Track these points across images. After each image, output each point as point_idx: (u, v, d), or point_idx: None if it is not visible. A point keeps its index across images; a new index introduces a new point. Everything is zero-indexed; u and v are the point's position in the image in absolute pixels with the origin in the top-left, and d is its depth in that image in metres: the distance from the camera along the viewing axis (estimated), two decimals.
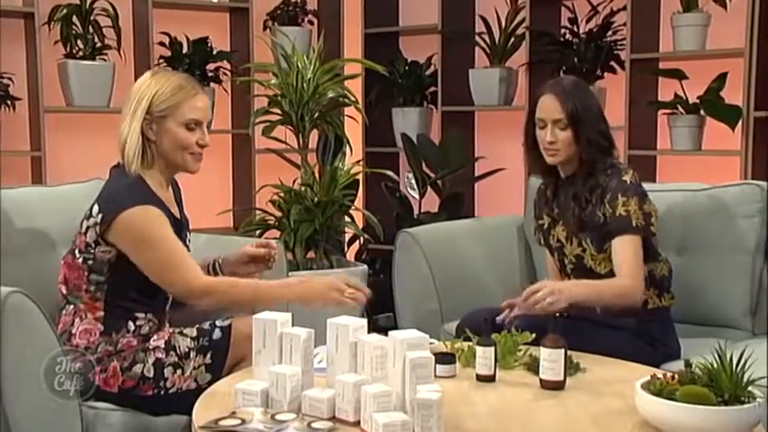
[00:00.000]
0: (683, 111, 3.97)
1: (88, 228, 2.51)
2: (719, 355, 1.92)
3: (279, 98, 3.62)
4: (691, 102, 3.93)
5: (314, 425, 1.93)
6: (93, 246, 2.50)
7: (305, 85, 3.54)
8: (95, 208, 2.51)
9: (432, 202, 4.51)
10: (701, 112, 3.93)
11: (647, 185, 3.35)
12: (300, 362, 2.08)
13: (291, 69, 3.58)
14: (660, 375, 1.99)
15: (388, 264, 4.39)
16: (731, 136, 3.80)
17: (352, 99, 3.78)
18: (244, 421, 1.94)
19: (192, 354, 2.50)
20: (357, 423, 1.95)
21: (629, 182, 2.71)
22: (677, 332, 2.87)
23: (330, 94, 3.66)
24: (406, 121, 4.74)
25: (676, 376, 1.97)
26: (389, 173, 4.13)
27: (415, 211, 4.39)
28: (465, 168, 4.31)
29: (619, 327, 2.75)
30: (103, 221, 2.46)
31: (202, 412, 2.05)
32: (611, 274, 2.74)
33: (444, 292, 3.30)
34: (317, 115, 3.60)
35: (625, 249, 2.68)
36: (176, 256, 2.48)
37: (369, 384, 1.95)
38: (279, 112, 3.67)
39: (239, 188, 4.72)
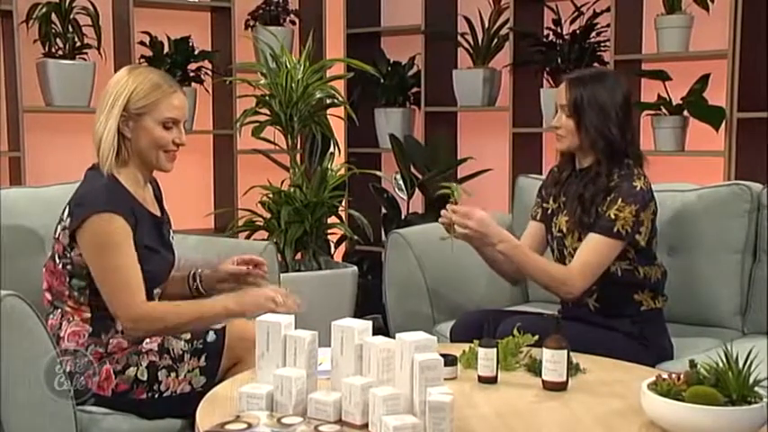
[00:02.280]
0: (666, 112, 3.99)
1: (61, 232, 2.48)
2: (726, 356, 1.92)
3: (268, 98, 3.59)
4: (674, 103, 3.95)
5: (321, 428, 1.91)
6: (69, 250, 2.47)
7: (293, 85, 3.51)
8: (66, 211, 2.48)
9: (414, 202, 4.51)
10: (685, 113, 3.95)
11: None
12: (305, 364, 2.05)
13: (281, 70, 3.54)
14: (665, 376, 1.99)
15: (375, 265, 4.40)
16: (714, 137, 3.83)
17: (341, 99, 3.76)
18: (250, 425, 1.91)
19: (187, 356, 2.47)
20: (364, 426, 1.93)
21: (638, 188, 2.70)
22: (670, 332, 2.88)
23: (318, 95, 3.64)
24: (389, 121, 4.73)
25: (682, 377, 1.97)
26: (379, 173, 4.11)
27: (403, 212, 4.39)
28: (454, 169, 4.30)
29: (613, 328, 2.76)
30: (71, 225, 2.43)
31: (206, 417, 2.02)
32: (605, 274, 2.73)
33: (435, 293, 3.29)
34: (306, 116, 3.57)
35: (592, 248, 2.69)
36: (124, 275, 2.42)
37: (376, 387, 1.94)
38: (267, 112, 3.64)
39: (221, 189, 4.68)
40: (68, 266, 2.47)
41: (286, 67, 3.56)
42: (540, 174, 4.10)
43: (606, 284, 2.75)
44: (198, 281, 2.74)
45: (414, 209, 4.46)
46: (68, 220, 2.46)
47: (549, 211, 2.91)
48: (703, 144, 3.97)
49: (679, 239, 3.15)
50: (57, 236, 2.50)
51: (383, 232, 4.43)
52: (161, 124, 2.51)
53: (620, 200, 2.68)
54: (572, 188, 2.82)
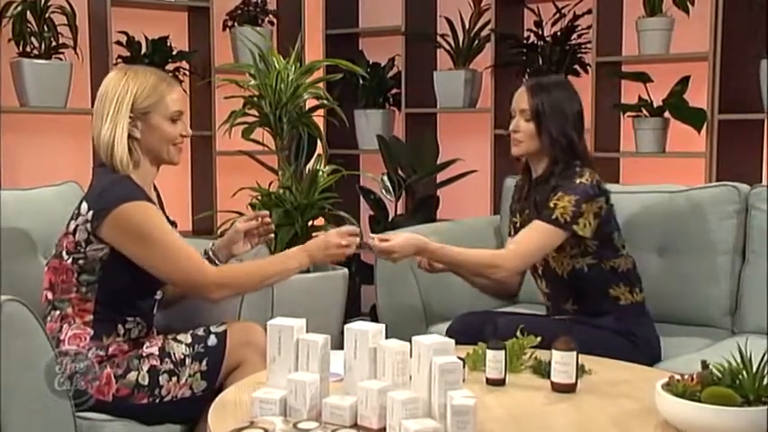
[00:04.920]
0: (647, 113, 4.02)
1: (77, 227, 2.44)
2: (741, 356, 1.93)
3: (256, 99, 3.56)
4: (655, 105, 3.98)
5: None
6: (83, 245, 2.43)
7: (282, 86, 3.49)
8: (84, 206, 2.45)
9: (394, 205, 4.50)
10: (666, 114, 3.98)
11: (629, 187, 3.41)
12: (318, 368, 2.03)
13: (271, 71, 3.51)
14: (678, 377, 1.99)
15: (360, 267, 4.38)
16: (694, 138, 3.87)
17: (330, 101, 3.73)
18: (266, 431, 1.89)
19: (188, 360, 2.45)
20: (381, 430, 1.91)
21: (578, 182, 2.75)
22: (659, 331, 2.89)
23: (306, 96, 3.62)
24: (369, 123, 4.72)
25: (695, 377, 1.97)
26: (370, 175, 4.10)
27: (390, 214, 4.38)
28: (443, 170, 4.29)
29: (599, 326, 2.78)
30: (96, 217, 2.40)
31: (218, 423, 1.99)
32: (572, 273, 2.82)
33: (428, 294, 3.28)
34: (294, 117, 3.54)
35: (527, 231, 2.75)
36: (183, 249, 2.44)
37: (393, 391, 1.92)
38: (255, 113, 3.61)
39: (199, 192, 4.62)
40: (80, 261, 2.44)
41: (275, 68, 3.53)
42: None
43: (577, 285, 2.83)
44: (211, 255, 2.71)
45: (398, 210, 4.45)
46: (90, 213, 2.41)
47: (519, 225, 2.95)
48: (684, 145, 4.01)
49: (668, 240, 3.17)
50: (69, 231, 2.46)
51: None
52: (169, 119, 2.52)
53: (559, 191, 2.75)
54: (531, 198, 2.88)
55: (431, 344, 1.93)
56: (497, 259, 2.74)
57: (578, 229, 2.72)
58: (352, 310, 4.06)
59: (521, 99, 2.83)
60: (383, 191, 4.40)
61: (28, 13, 4.00)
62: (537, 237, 2.73)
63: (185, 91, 4.51)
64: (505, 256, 2.74)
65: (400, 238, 2.72)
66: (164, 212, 2.67)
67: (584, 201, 2.72)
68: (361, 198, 4.68)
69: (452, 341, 1.97)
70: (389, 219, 4.31)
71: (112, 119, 2.46)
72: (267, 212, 2.79)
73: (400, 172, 4.35)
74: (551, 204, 2.72)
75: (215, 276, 2.47)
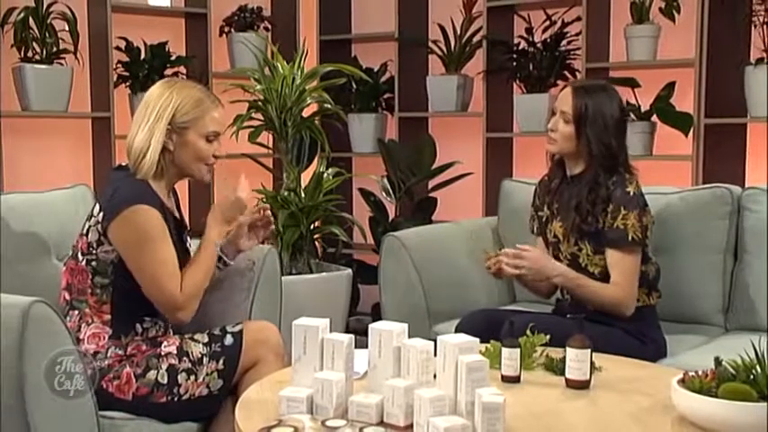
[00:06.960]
0: (635, 117, 4.12)
1: (89, 228, 2.49)
2: (755, 352, 1.99)
3: (261, 103, 3.61)
4: (643, 109, 4.08)
5: (365, 430, 1.94)
6: (95, 246, 2.48)
7: (287, 90, 3.55)
8: (97, 207, 2.50)
9: (391, 206, 4.56)
10: (653, 118, 4.08)
11: None
12: (343, 367, 2.09)
13: (277, 76, 3.57)
14: (692, 373, 2.05)
15: (361, 267, 4.44)
16: (679, 142, 3.97)
17: (333, 105, 3.79)
18: (296, 429, 1.93)
19: (206, 359, 2.51)
20: (407, 428, 1.96)
21: (632, 193, 2.81)
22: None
23: (309, 100, 3.68)
24: (362, 126, 4.79)
25: (709, 373, 2.03)
26: (373, 176, 4.15)
27: (390, 215, 4.45)
28: (442, 173, 4.36)
29: (610, 323, 2.84)
30: (105, 218, 2.45)
31: (245, 421, 2.03)
32: (604, 273, 2.86)
33: (432, 294, 3.34)
34: (298, 121, 3.61)
35: (621, 264, 2.81)
36: (168, 265, 2.47)
37: (419, 389, 1.97)
38: (260, 117, 3.67)
39: (197, 194, 4.65)
40: (93, 263, 2.49)
41: (281, 72, 3.58)
42: (511, 176, 4.21)
43: None
44: (219, 252, 2.71)
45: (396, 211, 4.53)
46: (101, 214, 2.46)
47: (544, 219, 3.01)
48: (671, 149, 4.11)
49: (663, 240, 3.24)
50: (83, 232, 2.51)
51: (371, 236, 4.47)
52: (204, 138, 2.56)
53: (621, 209, 2.79)
54: (565, 195, 2.92)
55: (457, 343, 1.99)
56: (620, 303, 2.81)
57: (649, 241, 2.84)
58: (353, 310, 4.11)
59: (564, 100, 2.84)
60: (383, 193, 4.46)
61: (30, 19, 4.02)
62: (631, 267, 2.81)
63: None
64: (627, 300, 2.81)
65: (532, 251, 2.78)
66: (180, 216, 2.73)
67: (643, 214, 2.81)
68: (356, 200, 4.74)
69: (477, 340, 2.02)
70: (389, 220, 4.37)
71: (150, 128, 2.51)
72: (267, 205, 2.84)
73: (398, 174, 4.42)
74: (619, 226, 2.78)
75: (183, 299, 2.50)
